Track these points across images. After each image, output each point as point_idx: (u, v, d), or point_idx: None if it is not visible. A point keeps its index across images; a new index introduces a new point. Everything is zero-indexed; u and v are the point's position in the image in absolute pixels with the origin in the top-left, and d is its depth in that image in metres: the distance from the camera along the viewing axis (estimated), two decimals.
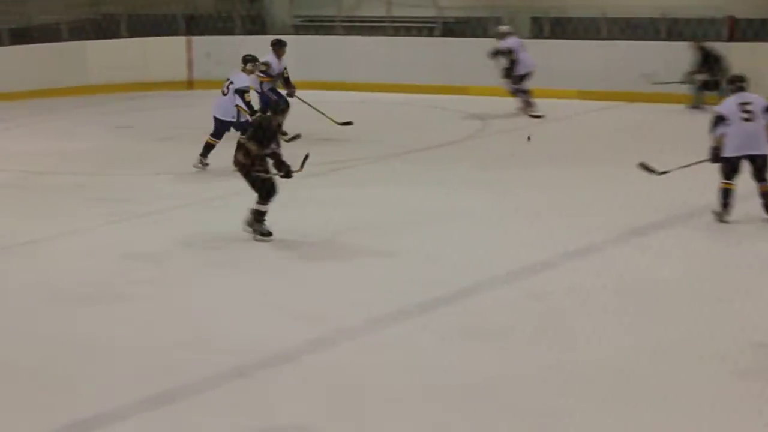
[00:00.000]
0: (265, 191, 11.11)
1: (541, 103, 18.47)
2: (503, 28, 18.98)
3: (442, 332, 8.59)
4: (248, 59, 15.27)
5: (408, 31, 22.80)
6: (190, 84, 23.01)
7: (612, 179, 13.28)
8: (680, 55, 18.63)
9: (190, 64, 23.12)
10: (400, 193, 13.23)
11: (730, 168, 11.43)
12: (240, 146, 11.14)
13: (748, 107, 11.44)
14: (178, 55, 23.04)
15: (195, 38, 23.25)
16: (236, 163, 11.15)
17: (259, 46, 20.52)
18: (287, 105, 15.25)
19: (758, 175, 11.45)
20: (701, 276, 9.76)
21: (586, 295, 9.29)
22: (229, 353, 8.14)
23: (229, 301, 9.45)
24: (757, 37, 19.67)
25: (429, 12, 22.61)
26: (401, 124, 18.41)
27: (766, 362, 7.71)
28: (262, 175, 11.06)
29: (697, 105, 18.37)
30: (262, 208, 11.13)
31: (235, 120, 14.74)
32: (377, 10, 23.10)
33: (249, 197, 11.17)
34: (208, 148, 14.76)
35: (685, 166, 11.72)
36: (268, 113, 11.62)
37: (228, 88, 14.87)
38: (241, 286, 9.86)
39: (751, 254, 10.22)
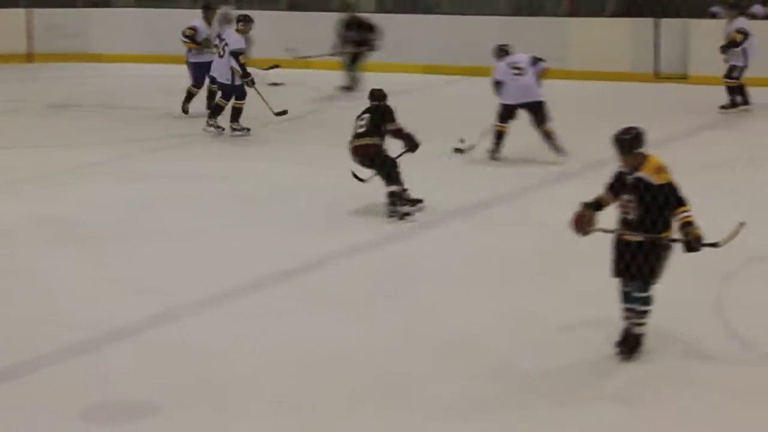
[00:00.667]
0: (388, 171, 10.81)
1: (385, 78, 18.47)
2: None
3: (289, 305, 8.56)
4: (240, 19, 14.90)
5: (251, 4, 22.55)
6: (30, 57, 22.43)
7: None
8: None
9: (30, 36, 22.53)
10: (250, 167, 13.14)
11: (506, 113, 13.11)
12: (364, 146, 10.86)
13: (517, 65, 13.12)
14: (17, 28, 22.43)
15: (36, 11, 22.64)
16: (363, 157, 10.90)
17: (105, 18, 20.23)
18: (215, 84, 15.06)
19: (538, 120, 13.05)
20: (546, 248, 9.88)
21: (436, 266, 9.39)
22: (73, 329, 7.98)
23: (74, 276, 9.26)
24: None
25: None
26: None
27: (605, 332, 7.86)
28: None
29: (350, 85, 18.32)
30: (397, 188, 10.82)
31: (229, 83, 14.47)
32: None
33: (100, 169, 10.98)
34: (218, 110, 14.66)
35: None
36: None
37: (224, 49, 14.56)
38: (85, 261, 9.66)
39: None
